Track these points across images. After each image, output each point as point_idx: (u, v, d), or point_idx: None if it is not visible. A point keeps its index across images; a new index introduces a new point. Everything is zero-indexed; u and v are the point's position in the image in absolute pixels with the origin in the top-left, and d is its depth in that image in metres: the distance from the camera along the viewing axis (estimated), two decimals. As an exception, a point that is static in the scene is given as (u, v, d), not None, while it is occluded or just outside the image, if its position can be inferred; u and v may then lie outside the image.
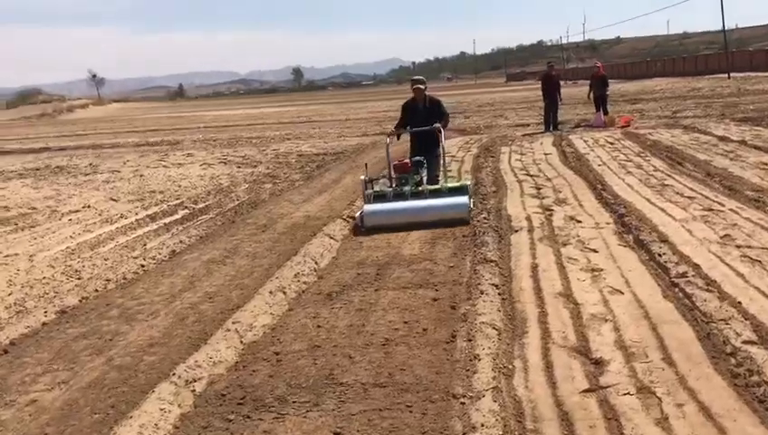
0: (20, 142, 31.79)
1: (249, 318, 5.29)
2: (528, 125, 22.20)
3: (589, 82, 21.12)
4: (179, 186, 13.35)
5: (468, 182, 9.24)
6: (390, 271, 6.39)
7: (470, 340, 4.59)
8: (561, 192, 9.94)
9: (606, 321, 4.84)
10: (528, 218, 8.29)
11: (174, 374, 4.30)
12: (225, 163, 16.72)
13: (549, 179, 11.14)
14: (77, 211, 11.09)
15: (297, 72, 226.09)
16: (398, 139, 9.80)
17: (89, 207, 11.42)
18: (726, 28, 60.94)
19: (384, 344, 4.64)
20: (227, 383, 4.23)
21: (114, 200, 12.00)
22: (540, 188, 10.38)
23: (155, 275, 6.92)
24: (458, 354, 4.39)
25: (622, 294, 5.40)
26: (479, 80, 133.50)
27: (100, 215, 10.59)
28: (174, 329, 5.30)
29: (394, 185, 8.94)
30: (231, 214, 9.95)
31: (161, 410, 3.83)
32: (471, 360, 4.26)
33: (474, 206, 8.61)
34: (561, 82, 20.90)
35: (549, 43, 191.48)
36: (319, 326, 5.10)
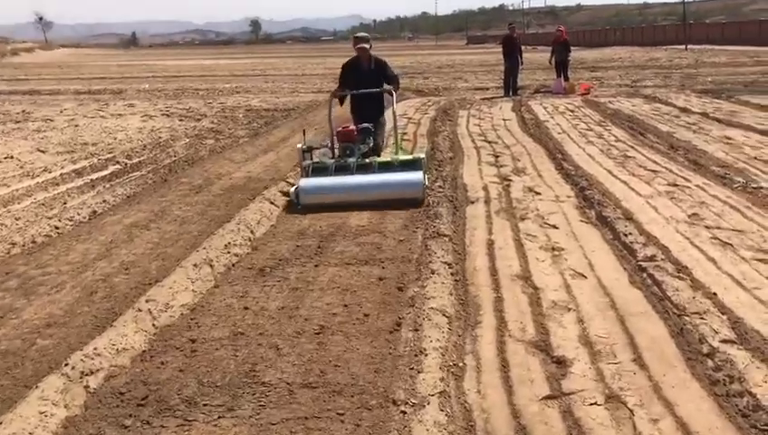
0: (-47, 85, 29.91)
1: (167, 296, 4.63)
2: (488, 89, 21.61)
3: (551, 47, 20.53)
4: (115, 138, 12.42)
5: (422, 155, 7.91)
6: (334, 244, 5.77)
7: (417, 329, 4.02)
8: (519, 161, 9.41)
9: (568, 310, 4.33)
10: (485, 189, 7.74)
11: (67, 365, 3.63)
12: (167, 115, 15.74)
13: (507, 147, 10.60)
14: (-3, 162, 10.13)
15: (255, 23, 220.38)
16: (342, 104, 8.37)
17: (11, 157, 10.45)
18: (685, 0, 61.06)
19: (318, 333, 4.04)
20: (129, 378, 3.59)
21: (41, 151, 11.04)
22: (498, 156, 9.84)
23: (69, 239, 6.17)
24: (402, 347, 3.82)
25: (585, 278, 4.90)
26: (440, 41, 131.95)
27: (21, 167, 9.67)
28: (78, 306, 4.60)
29: (337, 155, 7.69)
30: (165, 172, 9.16)
31: (42, 413, 3.17)
32: (416, 355, 3.69)
33: (429, 183, 7.43)
34: (523, 47, 20.28)
35: (510, 8, 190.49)
36: (246, 308, 4.47)
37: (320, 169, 7.37)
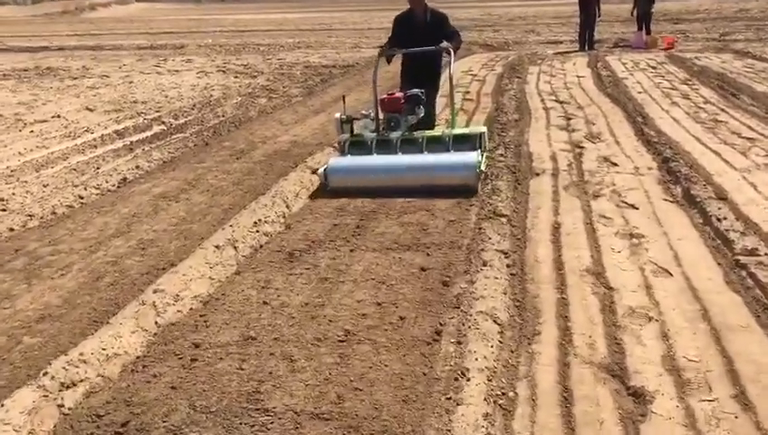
0: (27, 40, 30.24)
1: (178, 284, 4.06)
2: (561, 42, 20.23)
3: (632, -3, 18.96)
4: (166, 96, 11.97)
5: (482, 128, 6.53)
6: (375, 223, 5.07)
7: (460, 341, 3.32)
8: (594, 124, 8.44)
9: (649, 320, 3.53)
10: (553, 158, 6.88)
11: (47, 373, 3.10)
12: (223, 72, 15.21)
13: (581, 108, 9.60)
14: (44, 121, 9.81)
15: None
16: (389, 62, 7.01)
17: (58, 116, 10.13)
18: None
19: (342, 341, 3.39)
20: (112, 395, 3.02)
21: (89, 110, 10.68)
22: (570, 119, 8.88)
23: (90, 211, 5.68)
24: (441, 366, 3.13)
25: (670, 275, 4.07)
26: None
27: (65, 127, 9.30)
28: (80, 295, 4.08)
29: (381, 128, 6.37)
30: (208, 134, 8.60)
31: (-3, 443, 2.64)
32: (457, 378, 3.00)
33: (484, 167, 6.05)
34: (601, -3, 18.83)
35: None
36: (265, 303, 3.85)
37: (357, 145, 6.26)
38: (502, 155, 6.88)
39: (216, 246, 4.64)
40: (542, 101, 10.33)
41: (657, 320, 3.52)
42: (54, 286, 4.20)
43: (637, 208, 5.28)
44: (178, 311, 3.79)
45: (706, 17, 31.02)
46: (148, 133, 8.79)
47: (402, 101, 6.26)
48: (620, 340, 3.33)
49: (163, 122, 9.50)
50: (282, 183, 6.16)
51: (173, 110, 10.50)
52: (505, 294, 3.85)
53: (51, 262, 4.59)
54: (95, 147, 8.09)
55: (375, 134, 6.27)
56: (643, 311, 3.62)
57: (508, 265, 4.23)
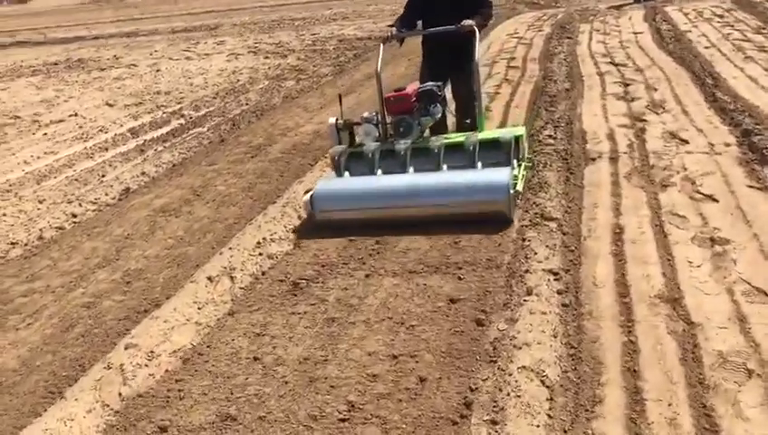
0: (66, 30, 30.14)
1: (156, 336, 3.38)
2: (614, -6, 18.81)
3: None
4: (191, 84, 11.33)
5: (519, 130, 5.05)
6: (397, 237, 4.25)
7: (495, 421, 2.53)
8: (656, 90, 7.40)
9: (749, 375, 2.66)
10: (611, 136, 5.92)
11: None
12: (254, 53, 14.48)
13: (640, 70, 8.52)
14: (60, 121, 9.29)
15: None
16: (401, 45, 5.53)
17: (76, 114, 9.59)
18: None
19: (344, 419, 2.63)
20: None
21: (109, 105, 10.12)
22: (628, 85, 7.84)
23: (80, 233, 5.04)
24: (469, 461, 2.35)
25: (771, 300, 3.16)
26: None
27: (80, 127, 8.74)
28: (42, 353, 3.43)
29: (389, 135, 4.92)
30: (227, 127, 7.89)
31: None
32: (489, 484, 2.21)
33: (522, 186, 4.64)
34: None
35: None
36: (255, 359, 3.12)
37: (356, 159, 4.84)
38: (550, 136, 5.98)
39: (210, 278, 3.94)
40: (596, 64, 9.27)
41: (759, 375, 2.64)
42: (16, 341, 3.56)
43: (716, 201, 4.35)
44: (150, 375, 3.09)
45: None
46: (165, 130, 8.13)
47: (413, 98, 4.82)
48: (712, 410, 2.48)
49: (182, 115, 8.85)
50: (296, 187, 5.43)
51: (195, 100, 9.86)
52: (555, 337, 3.02)
53: (20, 306, 3.96)
54: (105, 149, 7.49)
55: (378, 143, 4.84)
56: (739, 359, 2.75)
57: (559, 292, 3.39)
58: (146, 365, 3.15)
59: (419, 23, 5.39)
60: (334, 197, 4.50)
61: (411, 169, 4.67)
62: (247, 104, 9.20)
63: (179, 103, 9.72)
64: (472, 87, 5.17)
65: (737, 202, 4.28)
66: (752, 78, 7.39)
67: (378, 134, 4.88)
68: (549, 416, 2.53)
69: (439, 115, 5.05)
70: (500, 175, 4.26)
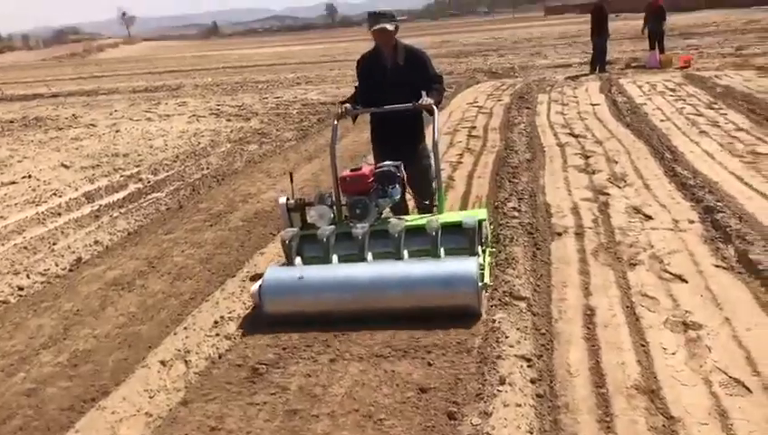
0: (26, 87, 29.76)
1: (102, 430, 3.13)
2: (570, 65, 19.35)
3: (643, 14, 18.06)
4: (151, 146, 11.14)
5: (482, 213, 4.74)
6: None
7: None
8: (617, 163, 7.48)
9: (734, 477, 2.54)
10: (575, 210, 5.91)
11: None
12: (216, 115, 14.41)
13: (599, 142, 8.65)
14: (13, 183, 8.99)
15: (331, 7, 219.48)
16: (354, 122, 5.41)
17: (29, 176, 9.30)
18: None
19: None
20: None
21: (65, 167, 9.85)
22: (588, 157, 7.93)
23: (26, 307, 4.76)
24: None
25: (749, 392, 3.08)
26: (517, 14, 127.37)
27: (33, 190, 8.45)
28: (-25, 449, 3.14)
29: (344, 217, 4.73)
30: (186, 193, 7.71)
31: None
32: None
33: (489, 277, 4.37)
34: (611, 16, 17.99)
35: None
36: (210, 459, 2.89)
37: (309, 243, 4.45)
38: (515, 209, 5.93)
39: (163, 362, 3.71)
40: (556, 135, 9.40)
41: (745, 477, 2.53)
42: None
43: (685, 281, 4.31)
44: (95, 475, 2.84)
45: (716, 30, 30.18)
46: (121, 194, 7.91)
47: (370, 178, 4.53)
48: None
49: (140, 179, 8.64)
50: (257, 259, 5.25)
51: (154, 163, 9.66)
52: (531, 433, 2.87)
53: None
54: (58, 214, 7.21)
55: (333, 226, 4.46)
56: (722, 459, 2.63)
57: (533, 381, 3.26)
58: (89, 465, 2.90)
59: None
60: (285, 288, 4.09)
61: (370, 256, 4.33)
62: (208, 168, 9.05)
63: (138, 166, 9.52)
64: (428, 167, 5.05)
65: (706, 283, 4.25)
66: (707, 152, 7.53)
67: (332, 216, 4.57)
68: None
69: (398, 197, 4.72)
70: (467, 266, 3.96)
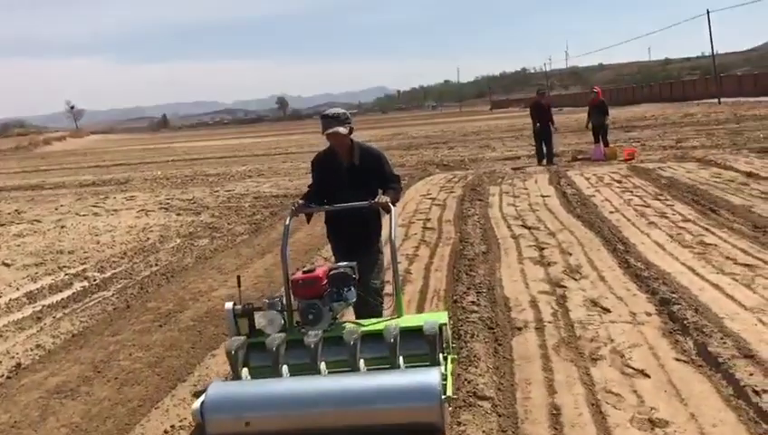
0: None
1: None
2: (518, 157, 19.94)
3: (587, 108, 18.84)
4: (98, 242, 10.86)
5: (443, 317, 4.51)
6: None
7: None
8: (571, 255, 7.56)
9: None
10: (533, 304, 5.89)
11: None
12: (165, 209, 14.23)
13: (552, 234, 8.77)
14: (-52, 282, 8.58)
15: (282, 100, 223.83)
16: (309, 221, 5.31)
17: (-33, 276, 8.90)
18: (708, 54, 59.52)
19: None
20: None
21: (6, 265, 9.48)
22: (543, 248, 8.00)
23: (-44, 422, 4.43)
24: None
25: (722, 493, 2.98)
26: (464, 108, 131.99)
27: (-30, 291, 8.08)
28: None
29: (296, 323, 4.45)
30: (133, 292, 7.46)
31: None
32: None
33: (452, 390, 3.98)
34: (554, 110, 18.72)
35: (533, 71, 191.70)
36: None
37: (257, 352, 4.13)
38: (474, 303, 5.88)
39: (108, 481, 3.44)
40: (509, 227, 9.51)
41: None
42: None
43: (648, 376, 4.27)
44: None
45: (655, 123, 31.69)
46: (66, 294, 7.61)
47: (324, 280, 4.29)
48: None
49: (86, 277, 8.36)
50: (208, 362, 5.05)
51: (101, 260, 9.39)
52: None
53: None
54: (-4, 317, 6.87)
55: (283, 334, 4.13)
56: None
57: (501, 489, 3.11)
58: None
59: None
60: (229, 405, 3.73)
61: (323, 365, 4.02)
62: (157, 265, 8.82)
63: (83, 264, 9.23)
64: (380, 266, 4.95)
65: (669, 377, 4.22)
66: (658, 244, 7.69)
67: (282, 322, 4.27)
68: None
69: (353, 299, 4.45)
70: (429, 378, 3.66)
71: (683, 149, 18.23)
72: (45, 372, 5.19)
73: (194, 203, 14.90)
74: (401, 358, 4.02)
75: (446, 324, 4.44)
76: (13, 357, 5.55)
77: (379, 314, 4.78)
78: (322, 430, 3.69)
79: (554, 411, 3.88)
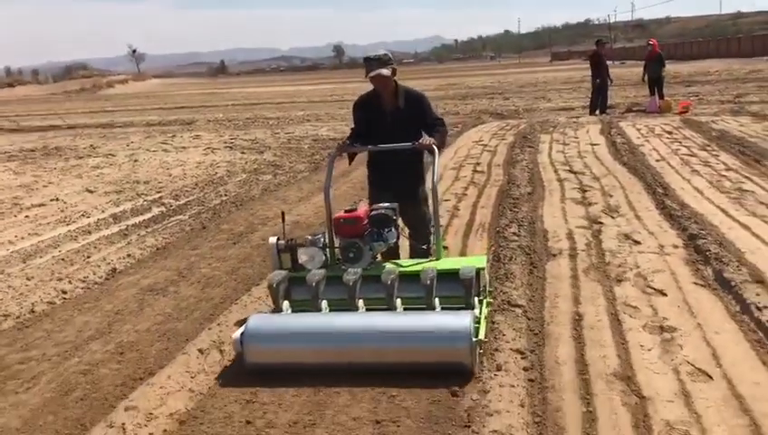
0: (41, 119, 30.62)
1: (154, 400, 3.60)
2: (573, 109, 20.09)
3: (643, 62, 18.81)
4: (170, 175, 11.75)
5: (481, 261, 4.57)
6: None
7: (470, 475, 2.82)
8: (611, 196, 8.03)
9: (692, 440, 3.02)
10: (570, 236, 6.44)
11: None
12: (230, 148, 15.07)
13: (596, 178, 9.21)
14: (42, 205, 9.56)
15: (338, 48, 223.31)
16: (351, 162, 5.46)
17: (57, 199, 9.88)
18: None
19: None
20: None
21: (90, 192, 10.44)
22: (585, 191, 8.48)
23: (71, 308, 5.28)
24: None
25: (711, 379, 3.57)
26: (523, 59, 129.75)
27: (62, 211, 9.02)
28: (44, 413, 3.63)
29: (337, 260, 4.54)
30: (208, 216, 8.27)
31: None
32: None
33: (484, 334, 4.05)
34: (609, 63, 18.74)
35: (596, 22, 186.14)
36: (248, 423, 3.38)
37: (298, 287, 4.30)
38: (515, 234, 6.46)
39: (201, 350, 4.20)
40: (556, 171, 9.97)
41: (701, 439, 3.01)
42: (17, 403, 3.76)
43: (665, 295, 4.80)
44: (150, 434, 3.32)
45: (718, 78, 30.98)
46: (146, 216, 8.47)
47: (365, 220, 4.41)
48: (661, 469, 2.82)
49: (163, 204, 9.21)
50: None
51: (175, 189, 10.24)
52: (523, 406, 3.35)
53: (18, 372, 4.16)
54: (89, 232, 7.76)
55: (323, 270, 4.26)
56: (683, 427, 3.12)
57: (525, 369, 3.75)
58: (146, 425, 3.38)
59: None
60: (268, 337, 3.92)
61: (361, 302, 4.15)
62: (226, 195, 9.61)
63: (159, 192, 10.09)
64: (425, 211, 4.97)
65: (684, 296, 4.75)
66: (697, 189, 8.08)
67: (324, 258, 4.41)
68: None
69: (394, 240, 4.57)
70: (461, 320, 3.77)
71: (740, 103, 18.11)
72: (138, 275, 6.02)
73: (256, 143, 15.69)
74: (437, 299, 4.12)
75: (483, 269, 4.50)
76: (109, 263, 6.40)
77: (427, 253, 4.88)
78: (356, 365, 3.82)
79: (576, 317, 4.47)
